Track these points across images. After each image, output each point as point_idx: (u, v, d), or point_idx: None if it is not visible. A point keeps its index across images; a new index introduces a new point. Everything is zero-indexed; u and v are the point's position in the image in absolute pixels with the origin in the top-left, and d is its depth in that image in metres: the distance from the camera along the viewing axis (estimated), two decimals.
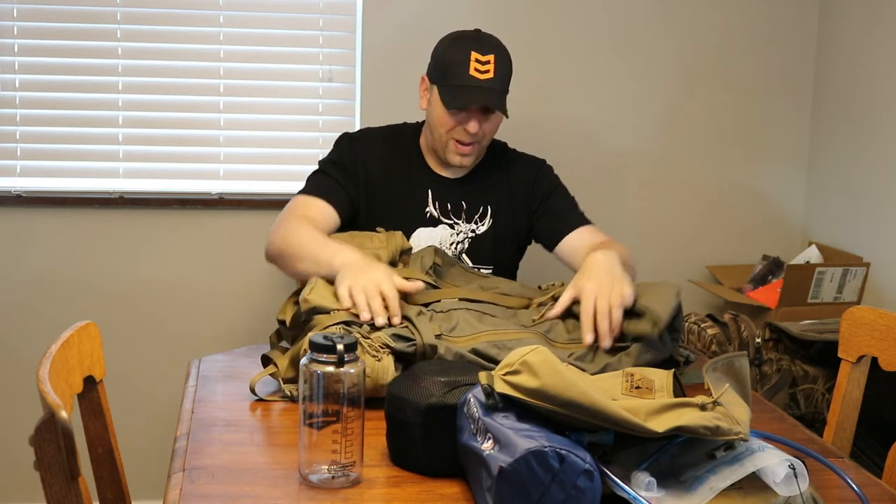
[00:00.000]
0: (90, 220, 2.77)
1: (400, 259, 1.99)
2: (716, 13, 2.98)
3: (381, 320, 1.67)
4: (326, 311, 1.69)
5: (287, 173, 2.87)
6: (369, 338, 1.63)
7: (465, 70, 2.08)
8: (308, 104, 2.86)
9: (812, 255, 2.86)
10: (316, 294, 1.72)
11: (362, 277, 1.74)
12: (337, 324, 1.65)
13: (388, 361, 1.60)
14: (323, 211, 2.11)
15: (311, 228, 2.00)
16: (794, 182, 3.10)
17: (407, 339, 1.66)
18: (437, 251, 2.02)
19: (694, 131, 3.03)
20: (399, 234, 2.04)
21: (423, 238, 2.19)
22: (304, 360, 1.34)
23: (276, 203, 2.81)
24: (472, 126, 2.09)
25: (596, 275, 1.82)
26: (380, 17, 2.83)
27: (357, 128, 2.85)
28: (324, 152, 2.84)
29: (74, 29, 2.74)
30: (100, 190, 2.78)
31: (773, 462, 1.21)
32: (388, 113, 2.81)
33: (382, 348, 1.62)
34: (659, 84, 2.98)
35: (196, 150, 2.83)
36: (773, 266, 2.86)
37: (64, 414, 1.18)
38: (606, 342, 1.72)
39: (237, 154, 2.84)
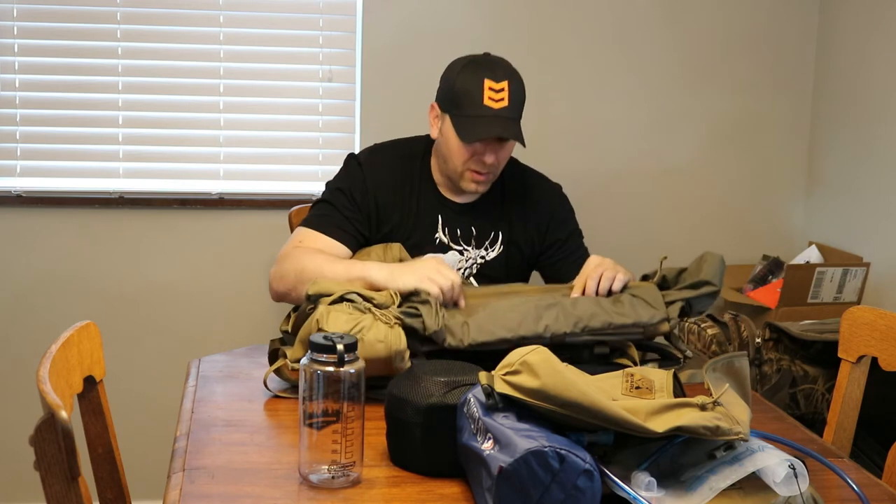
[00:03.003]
0: (90, 220, 2.77)
1: None
2: (716, 14, 2.98)
3: (463, 303, 1.79)
4: (331, 295, 1.70)
5: (287, 173, 2.87)
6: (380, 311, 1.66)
7: (479, 99, 1.99)
8: (308, 104, 2.86)
9: (812, 255, 2.86)
10: (320, 284, 1.73)
11: (430, 268, 1.80)
12: (342, 298, 1.66)
13: (400, 330, 1.63)
14: (332, 249, 2.03)
15: (323, 254, 1.95)
16: (794, 182, 3.10)
17: (414, 315, 1.68)
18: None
19: (694, 131, 3.03)
20: (397, 245, 2.02)
21: None
22: (304, 360, 1.34)
23: (276, 203, 2.82)
24: (489, 158, 2.03)
25: (596, 261, 1.94)
26: (380, 17, 2.83)
27: (357, 128, 2.86)
28: (324, 153, 2.87)
29: (74, 29, 2.74)
30: (100, 190, 2.78)
31: (773, 462, 1.21)
32: (387, 113, 2.82)
33: (394, 318, 1.65)
34: (659, 84, 2.98)
35: (196, 150, 2.83)
36: (773, 266, 2.86)
37: (64, 414, 1.18)
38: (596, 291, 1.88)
39: (237, 154, 2.84)
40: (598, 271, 1.88)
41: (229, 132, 2.83)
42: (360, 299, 1.68)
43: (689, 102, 3.01)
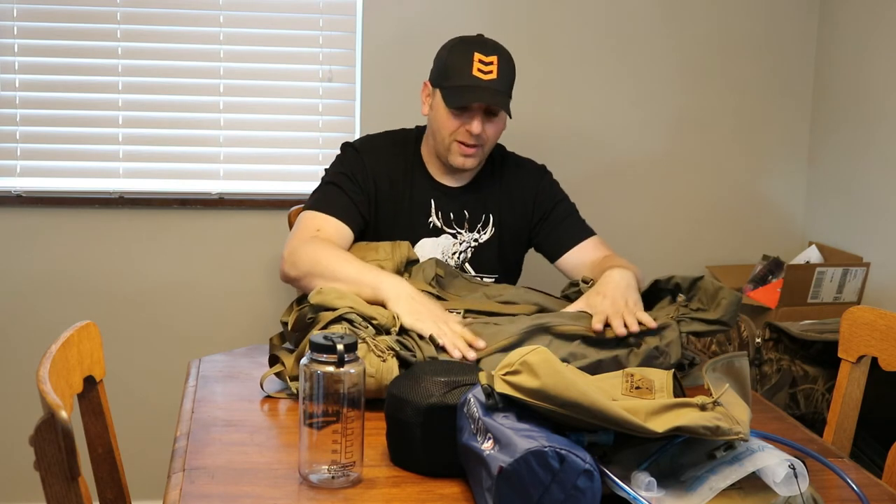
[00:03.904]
0: (90, 220, 2.77)
1: (405, 270, 1.98)
2: (716, 14, 2.98)
3: (472, 354, 1.67)
4: (333, 309, 1.69)
5: (287, 173, 2.87)
6: (375, 339, 1.64)
7: (469, 70, 2.04)
8: (308, 104, 2.86)
9: (812, 255, 2.86)
10: (324, 294, 1.72)
11: (439, 318, 1.74)
12: (340, 319, 1.65)
13: (393, 363, 1.61)
14: (339, 230, 2.04)
15: (341, 250, 1.95)
16: (794, 182, 3.10)
17: (410, 349, 1.67)
18: (438, 262, 2.01)
19: (694, 132, 3.03)
20: (405, 244, 2.01)
21: (426, 248, 2.16)
22: (304, 360, 1.34)
23: (276, 203, 2.82)
24: (475, 126, 2.05)
25: (611, 293, 1.82)
26: (380, 17, 2.83)
27: (357, 129, 2.86)
28: (324, 153, 2.86)
29: (74, 29, 2.74)
30: (100, 190, 2.78)
31: (773, 462, 1.21)
32: (388, 113, 2.82)
33: (388, 350, 1.62)
34: (659, 85, 2.98)
35: (196, 150, 2.83)
36: (773, 266, 2.86)
37: (64, 414, 1.18)
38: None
39: (237, 154, 2.84)
40: (616, 309, 1.78)
41: (229, 132, 2.83)
42: (359, 319, 1.67)
43: (690, 103, 3.01)
